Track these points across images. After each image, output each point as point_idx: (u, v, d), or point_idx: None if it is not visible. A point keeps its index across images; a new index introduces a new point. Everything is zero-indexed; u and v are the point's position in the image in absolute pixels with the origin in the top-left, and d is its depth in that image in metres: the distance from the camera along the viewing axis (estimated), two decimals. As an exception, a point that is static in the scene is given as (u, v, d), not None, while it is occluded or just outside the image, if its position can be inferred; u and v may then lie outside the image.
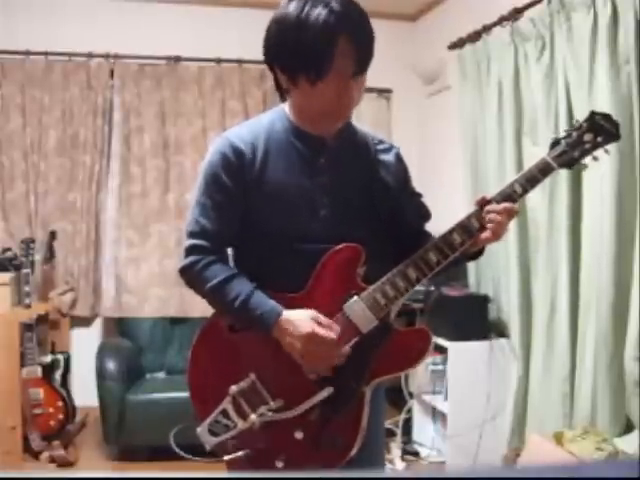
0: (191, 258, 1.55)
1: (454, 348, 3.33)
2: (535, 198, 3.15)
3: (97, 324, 4.31)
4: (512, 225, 3.22)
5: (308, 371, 1.51)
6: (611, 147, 2.45)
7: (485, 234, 1.52)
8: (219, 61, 4.32)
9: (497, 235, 1.52)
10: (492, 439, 3.26)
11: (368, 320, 1.51)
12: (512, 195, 1.53)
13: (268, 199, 1.52)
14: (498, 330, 3.42)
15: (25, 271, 3.61)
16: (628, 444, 2.57)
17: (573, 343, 2.93)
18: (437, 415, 3.62)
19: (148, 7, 4.28)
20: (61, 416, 3.64)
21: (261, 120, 1.60)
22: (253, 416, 1.51)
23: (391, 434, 3.56)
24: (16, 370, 3.43)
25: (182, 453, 1.49)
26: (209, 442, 1.55)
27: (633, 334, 2.58)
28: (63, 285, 4.12)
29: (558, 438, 2.64)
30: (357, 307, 1.51)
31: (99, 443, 3.65)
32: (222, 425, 1.53)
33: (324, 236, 1.52)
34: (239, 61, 4.29)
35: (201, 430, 1.55)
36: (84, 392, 3.80)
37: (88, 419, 3.94)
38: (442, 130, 4.32)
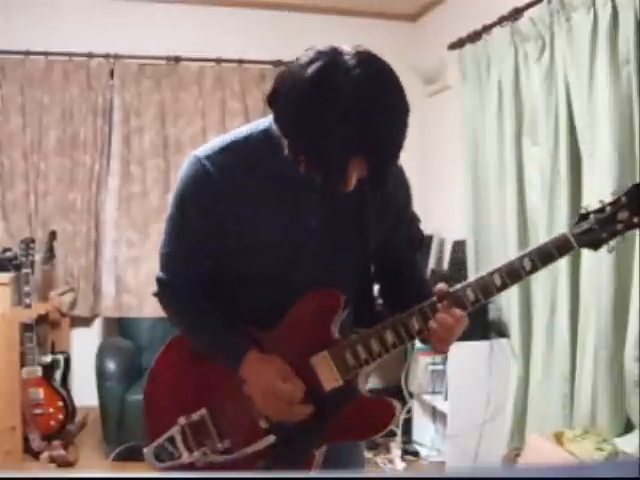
0: (163, 283, 1.48)
1: (454, 348, 3.31)
2: (535, 198, 3.15)
3: (97, 324, 4.32)
4: (512, 225, 3.25)
5: (268, 416, 1.40)
6: (610, 147, 2.39)
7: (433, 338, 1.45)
8: (219, 61, 4.31)
9: (443, 339, 1.46)
10: (492, 439, 3.26)
11: (333, 379, 1.38)
12: (519, 271, 1.37)
13: (244, 235, 1.37)
14: (498, 330, 3.41)
15: (25, 271, 3.61)
16: (628, 444, 2.57)
17: (573, 343, 2.93)
18: (437, 415, 3.62)
19: (148, 7, 4.28)
20: (61, 416, 3.64)
21: (242, 137, 1.37)
22: (196, 453, 1.43)
23: (391, 434, 3.56)
24: (16, 370, 3.43)
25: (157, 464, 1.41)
26: (155, 465, 1.48)
27: (633, 334, 2.58)
28: (63, 285, 4.13)
29: (558, 438, 2.64)
30: (324, 362, 1.38)
31: (99, 443, 3.65)
32: (168, 452, 1.46)
33: (305, 276, 1.38)
34: (239, 61, 4.29)
35: (147, 452, 1.48)
36: (84, 392, 3.81)
37: (88, 419, 3.94)
38: (442, 130, 4.32)
